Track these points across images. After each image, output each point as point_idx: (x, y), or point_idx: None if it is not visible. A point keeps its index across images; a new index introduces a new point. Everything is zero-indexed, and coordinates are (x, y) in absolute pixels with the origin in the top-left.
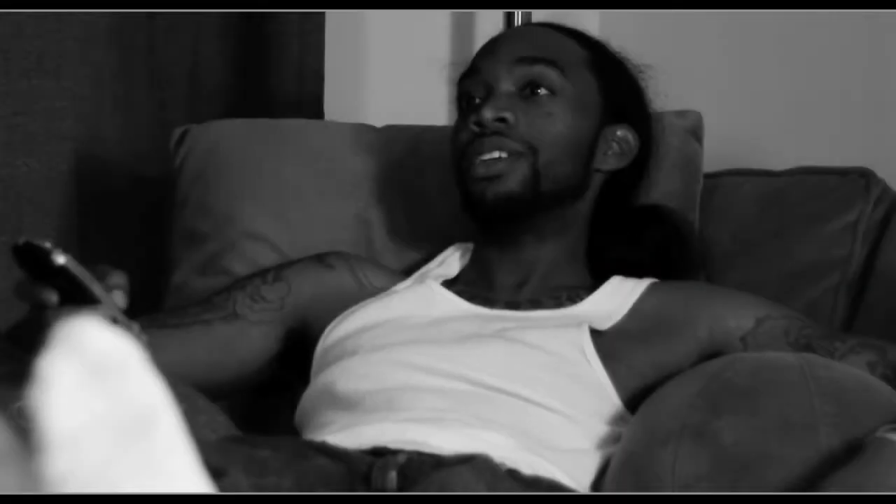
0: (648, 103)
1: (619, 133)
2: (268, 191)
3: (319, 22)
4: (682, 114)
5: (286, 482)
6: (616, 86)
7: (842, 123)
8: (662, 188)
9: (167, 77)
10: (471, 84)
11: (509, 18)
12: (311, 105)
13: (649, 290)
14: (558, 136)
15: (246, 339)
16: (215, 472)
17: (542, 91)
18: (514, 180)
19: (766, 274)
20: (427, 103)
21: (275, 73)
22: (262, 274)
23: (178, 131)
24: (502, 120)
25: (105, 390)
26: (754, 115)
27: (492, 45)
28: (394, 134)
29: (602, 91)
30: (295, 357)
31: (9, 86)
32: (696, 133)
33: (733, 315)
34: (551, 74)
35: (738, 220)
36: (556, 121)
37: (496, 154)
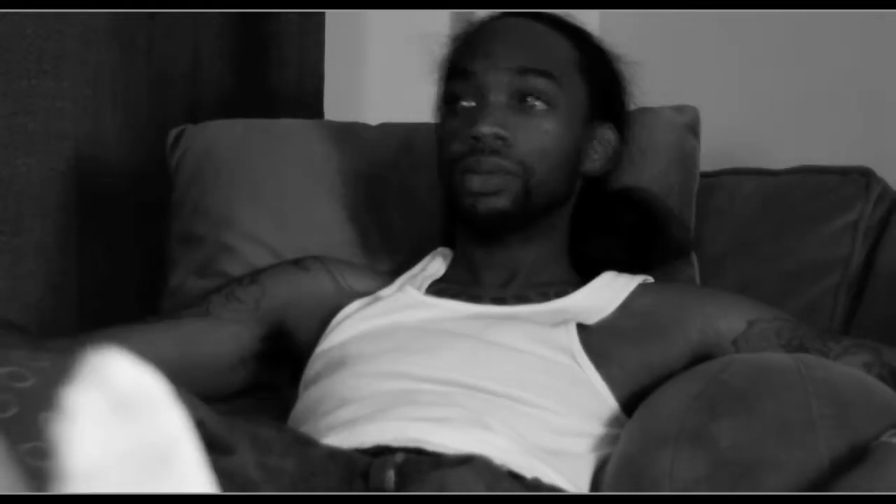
0: (629, 96)
1: (603, 134)
2: (263, 192)
3: (319, 22)
4: (679, 109)
5: (289, 463)
6: (601, 85)
7: (842, 123)
8: (659, 184)
9: (167, 77)
10: (461, 87)
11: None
12: (310, 104)
13: (640, 289)
14: (551, 154)
15: (214, 335)
16: (224, 448)
17: (538, 104)
18: (507, 198)
19: (766, 274)
20: (427, 103)
21: (275, 73)
22: (238, 278)
23: (173, 132)
24: (499, 137)
25: (127, 425)
26: (754, 113)
27: (487, 48)
28: (388, 131)
29: (589, 93)
30: (280, 360)
31: (9, 86)
32: (693, 129)
33: (724, 317)
34: (548, 87)
35: (738, 219)
36: (550, 137)
37: (493, 174)
